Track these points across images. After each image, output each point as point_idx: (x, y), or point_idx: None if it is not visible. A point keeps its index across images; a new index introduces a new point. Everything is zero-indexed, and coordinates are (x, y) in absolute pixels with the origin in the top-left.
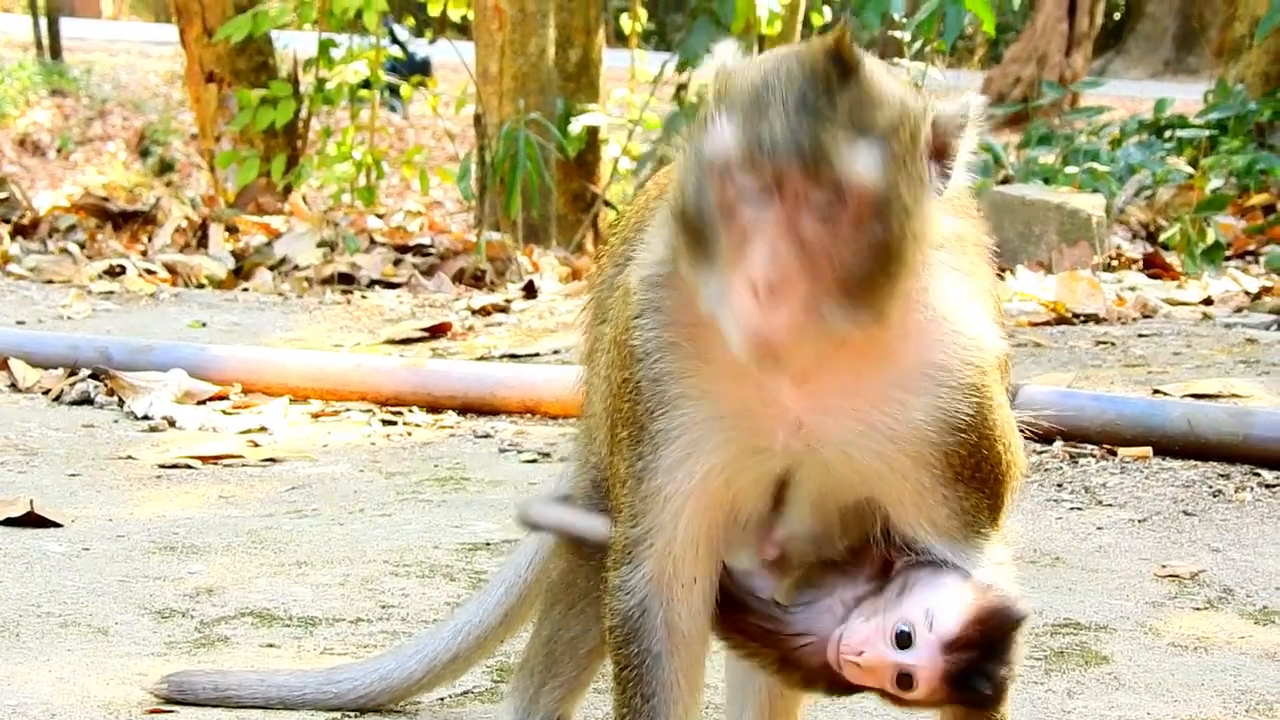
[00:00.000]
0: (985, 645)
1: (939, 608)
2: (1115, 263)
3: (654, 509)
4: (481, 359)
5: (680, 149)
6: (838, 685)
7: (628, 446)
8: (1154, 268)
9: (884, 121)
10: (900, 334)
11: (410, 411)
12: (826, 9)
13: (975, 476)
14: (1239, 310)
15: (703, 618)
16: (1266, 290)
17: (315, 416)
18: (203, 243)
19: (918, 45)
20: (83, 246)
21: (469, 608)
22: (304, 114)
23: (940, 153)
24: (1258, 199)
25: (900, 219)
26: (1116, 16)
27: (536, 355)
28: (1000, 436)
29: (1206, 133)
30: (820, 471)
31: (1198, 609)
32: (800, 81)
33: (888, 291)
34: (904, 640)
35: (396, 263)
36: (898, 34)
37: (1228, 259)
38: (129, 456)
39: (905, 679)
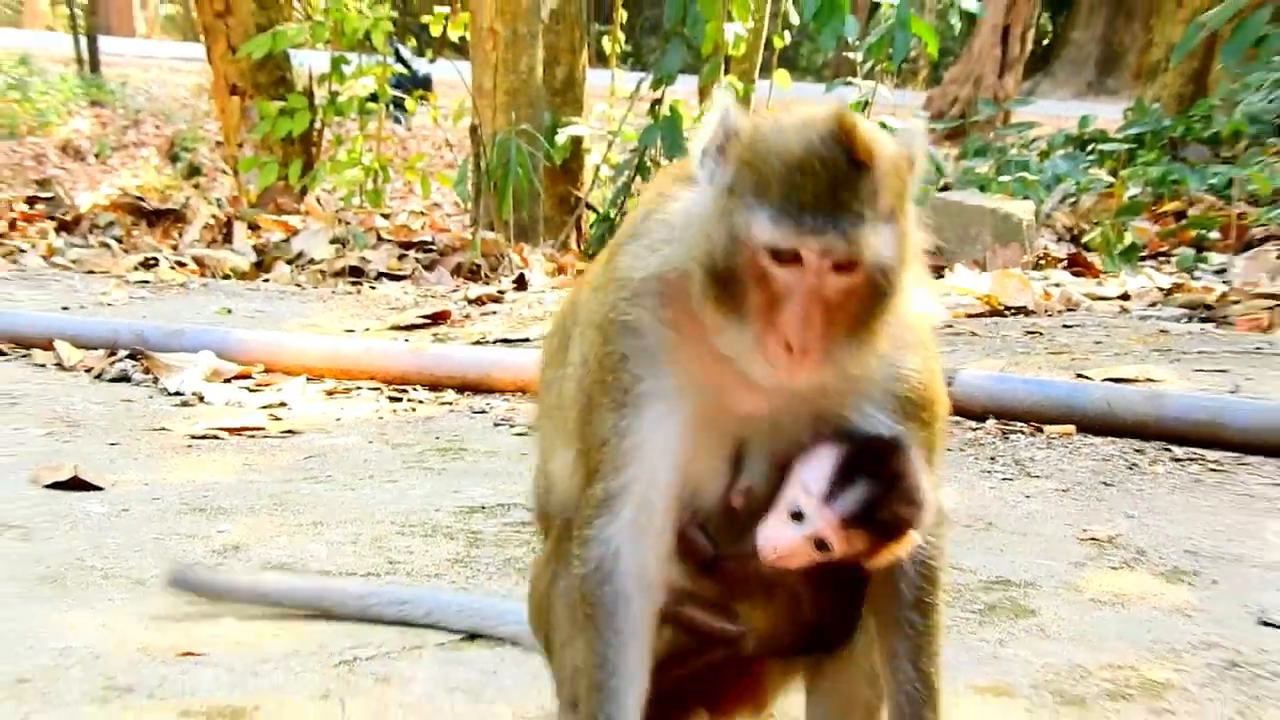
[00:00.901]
0: (869, 482)
1: (809, 475)
2: (1043, 262)
3: (635, 461)
4: (478, 343)
5: (707, 213)
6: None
7: (609, 411)
8: (1077, 266)
9: (891, 198)
10: None
11: (414, 390)
12: (788, 34)
13: (921, 416)
14: (1153, 305)
15: (665, 567)
16: (1178, 287)
17: (329, 394)
18: (228, 239)
19: (869, 66)
20: (120, 241)
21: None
22: (318, 124)
23: None
24: (1170, 206)
25: (901, 265)
26: (1045, 43)
27: (527, 340)
28: (938, 378)
29: (1125, 146)
30: (788, 425)
31: (1115, 569)
32: (823, 176)
33: (888, 317)
34: (799, 517)
35: (401, 258)
36: (851, 55)
37: (1143, 259)
38: (163, 428)
39: (820, 544)
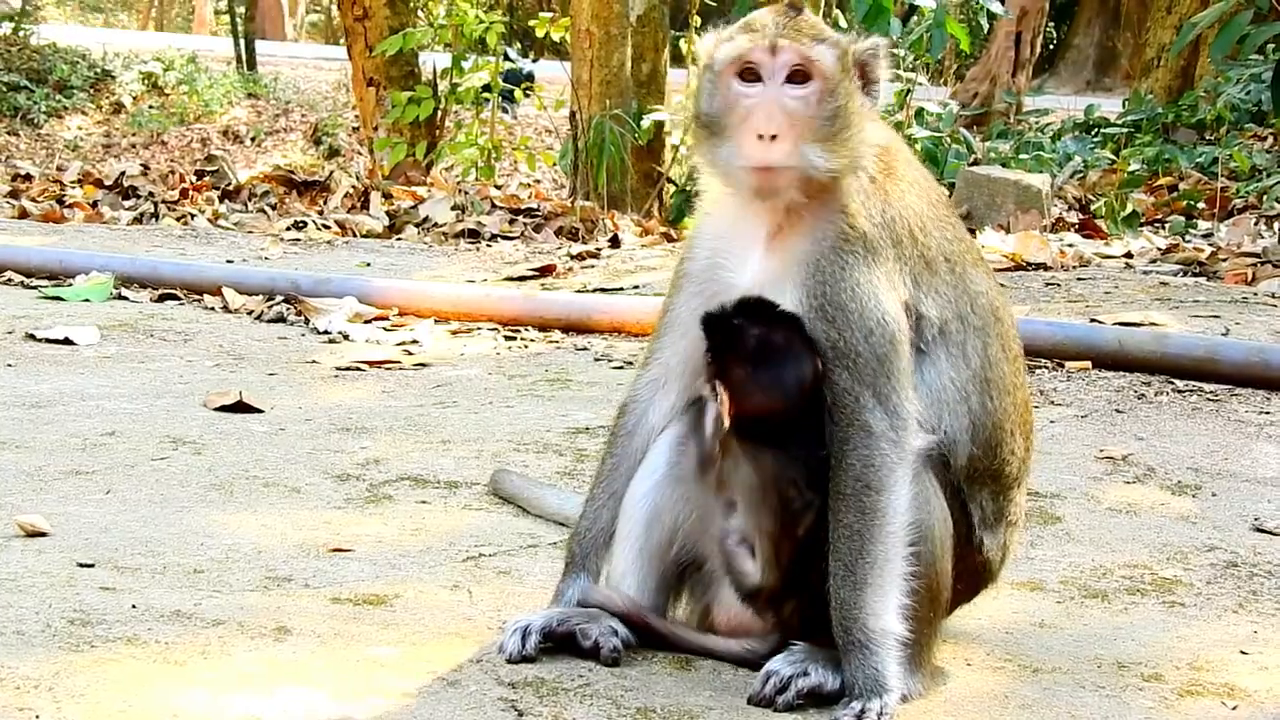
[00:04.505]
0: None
1: None
2: (1058, 226)
3: (666, 330)
4: (579, 292)
5: (697, 80)
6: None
7: (663, 308)
8: (1087, 230)
9: (826, 35)
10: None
11: (525, 330)
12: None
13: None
14: (1153, 262)
15: (664, 423)
16: (1173, 247)
17: (454, 333)
18: (365, 206)
19: (911, 60)
20: (274, 208)
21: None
22: (441, 111)
23: (863, 76)
24: (1164, 180)
25: (843, 101)
26: (1050, 47)
27: (620, 289)
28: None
29: (1125, 130)
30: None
31: (1128, 483)
32: (772, 14)
33: (842, 144)
34: None
35: (511, 222)
36: (895, 51)
37: (1142, 225)
38: (313, 361)
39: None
